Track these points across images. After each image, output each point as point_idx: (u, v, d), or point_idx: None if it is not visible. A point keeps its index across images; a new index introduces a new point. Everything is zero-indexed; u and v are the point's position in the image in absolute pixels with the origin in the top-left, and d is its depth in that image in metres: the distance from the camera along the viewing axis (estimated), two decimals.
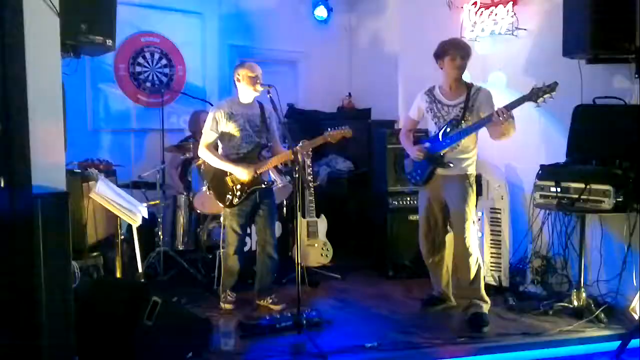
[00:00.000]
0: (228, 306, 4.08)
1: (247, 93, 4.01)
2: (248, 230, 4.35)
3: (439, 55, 3.81)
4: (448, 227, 3.95)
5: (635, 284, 3.73)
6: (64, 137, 3.00)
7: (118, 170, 4.66)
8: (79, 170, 4.09)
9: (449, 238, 3.95)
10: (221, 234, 4.20)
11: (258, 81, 3.94)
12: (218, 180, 4.05)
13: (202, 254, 4.79)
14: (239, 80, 4.00)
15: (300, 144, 3.92)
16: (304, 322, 3.54)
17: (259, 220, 4.12)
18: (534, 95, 3.43)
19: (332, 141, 4.00)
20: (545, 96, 3.40)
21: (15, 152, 2.72)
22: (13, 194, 2.66)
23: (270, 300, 4.11)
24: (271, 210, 4.15)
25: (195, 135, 5.18)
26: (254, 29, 6.44)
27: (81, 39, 3.56)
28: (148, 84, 5.92)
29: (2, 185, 2.63)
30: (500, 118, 3.48)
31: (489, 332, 3.60)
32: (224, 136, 4.03)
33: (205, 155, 4.05)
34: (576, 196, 3.73)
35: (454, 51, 3.75)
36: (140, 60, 5.89)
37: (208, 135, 4.03)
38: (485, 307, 3.78)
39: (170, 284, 4.56)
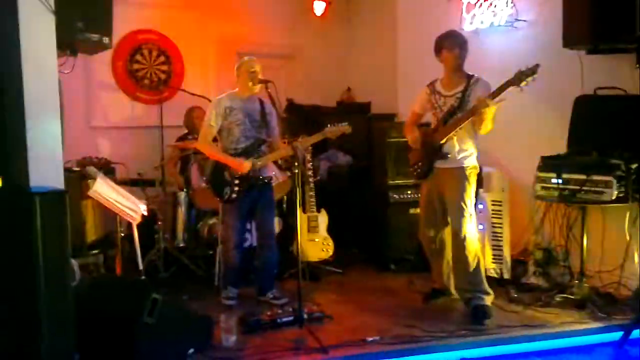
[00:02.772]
0: (229, 302, 4.08)
1: (246, 88, 4.00)
2: (248, 226, 4.34)
3: (437, 49, 3.83)
4: (448, 219, 3.94)
5: (636, 275, 3.72)
6: (62, 135, 2.99)
7: (117, 167, 4.65)
8: (77, 169, 4.08)
9: (449, 231, 3.94)
10: (220, 230, 4.19)
11: (257, 77, 3.93)
12: (217, 176, 4.04)
13: (203, 250, 4.78)
14: (238, 76, 4.01)
15: (300, 139, 3.91)
16: (305, 317, 3.53)
17: (258, 216, 4.12)
18: (516, 80, 3.42)
19: (332, 137, 4.00)
20: (528, 79, 3.38)
21: (12, 151, 2.72)
22: (11, 193, 2.66)
23: (272, 296, 4.11)
24: (270, 205, 4.14)
25: (190, 131, 5.17)
26: (252, 24, 6.42)
27: (78, 36, 3.53)
28: (146, 81, 5.91)
29: (0, 184, 2.62)
30: (480, 105, 3.47)
31: (491, 324, 3.59)
32: (223, 130, 4.02)
33: (204, 148, 4.06)
34: (577, 187, 3.72)
35: (450, 43, 3.77)
36: (138, 57, 5.88)
37: (207, 128, 4.02)
38: (488, 300, 3.77)
39: (171, 281, 4.55)
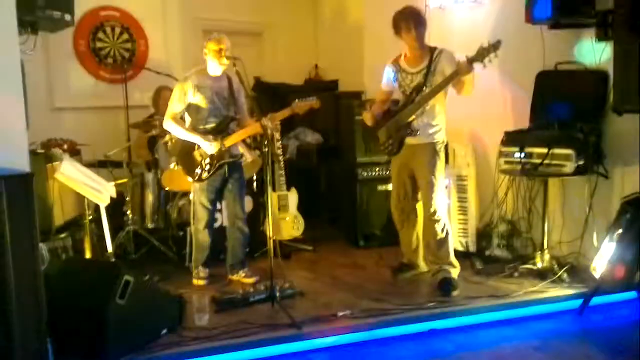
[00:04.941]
0: (201, 282, 4.09)
1: (214, 66, 3.97)
2: (218, 206, 4.34)
3: (395, 29, 3.81)
4: (418, 195, 4.01)
5: (595, 245, 3.86)
6: (26, 116, 2.92)
7: (83, 149, 4.58)
8: (42, 151, 4.01)
9: (419, 206, 4.02)
10: (191, 210, 4.19)
11: (224, 54, 3.89)
12: (186, 155, 4.02)
13: (173, 232, 4.76)
14: (206, 53, 3.96)
15: (268, 116, 3.91)
16: (277, 294, 3.58)
17: (228, 195, 4.12)
18: (479, 55, 3.46)
19: (300, 112, 4.01)
20: (490, 55, 3.43)
21: None
22: None
23: (243, 274, 4.14)
24: (240, 184, 4.15)
25: (158, 111, 5.11)
26: (218, 1, 6.32)
27: (39, 14, 3.44)
28: (109, 60, 5.79)
29: None
30: (461, 69, 3.52)
31: (458, 296, 3.70)
32: (191, 108, 3.99)
33: (170, 126, 4.01)
34: (539, 161, 3.81)
35: (406, 23, 3.75)
36: (101, 35, 5.75)
37: (174, 106, 3.98)
38: (454, 272, 3.87)
39: (141, 263, 4.53)
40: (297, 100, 3.99)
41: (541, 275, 3.93)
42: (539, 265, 4.02)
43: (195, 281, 4.10)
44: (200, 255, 4.13)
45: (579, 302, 3.56)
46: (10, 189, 2.53)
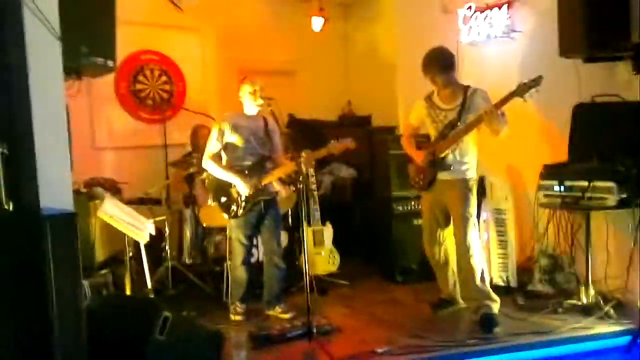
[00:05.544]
0: (238, 317, 4.10)
1: (249, 106, 4.07)
2: (255, 242, 4.37)
3: (425, 72, 3.87)
4: (451, 230, 3.97)
5: None
6: (70, 158, 3.03)
7: (123, 187, 4.70)
8: (85, 190, 4.13)
9: (452, 241, 3.97)
10: (227, 246, 4.22)
11: (258, 95, 3.99)
12: (223, 192, 4.08)
13: (210, 267, 4.81)
14: (241, 94, 4.07)
15: (303, 154, 3.95)
16: (314, 330, 3.55)
17: (264, 231, 4.15)
18: (520, 91, 3.46)
19: (335, 153, 4.03)
20: (530, 90, 3.43)
21: (22, 175, 2.75)
22: (22, 217, 2.69)
23: (280, 310, 4.13)
24: (276, 220, 4.18)
25: (196, 149, 5.22)
26: (252, 42, 6.49)
27: (83, 61, 3.59)
28: (149, 102, 5.97)
29: (10, 209, 2.66)
30: (486, 115, 3.52)
31: (500, 332, 3.60)
32: (227, 147, 4.08)
33: (208, 165, 4.11)
34: (580, 194, 3.74)
35: (437, 69, 3.80)
36: (141, 77, 5.95)
37: (212, 146, 4.09)
38: (495, 307, 3.79)
39: (179, 298, 4.57)
40: (333, 141, 3.99)
41: (586, 311, 3.81)
42: (584, 300, 3.90)
43: (232, 316, 4.11)
44: (237, 291, 4.15)
45: (627, 339, 3.44)
46: (55, 229, 2.60)
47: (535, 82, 3.44)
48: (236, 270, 4.12)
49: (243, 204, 4.02)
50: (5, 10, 2.74)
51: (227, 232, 4.22)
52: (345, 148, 4.00)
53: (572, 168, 3.92)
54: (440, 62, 3.83)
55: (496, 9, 4.85)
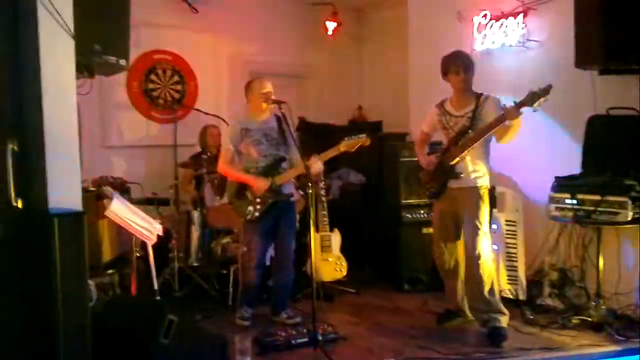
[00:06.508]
0: (244, 322, 4.07)
1: (260, 109, 4.04)
2: (268, 246, 4.32)
3: (443, 72, 3.85)
4: (461, 239, 3.92)
5: None
6: (80, 156, 3.01)
7: (131, 187, 4.69)
8: (94, 189, 4.12)
9: (463, 250, 3.93)
10: (241, 249, 4.18)
11: (269, 97, 3.97)
12: (239, 195, 4.05)
13: (216, 270, 4.79)
14: (250, 96, 4.05)
15: (312, 157, 3.91)
16: (320, 337, 3.51)
17: (279, 235, 4.11)
18: (529, 100, 3.42)
19: (350, 150, 3.94)
20: (540, 100, 3.39)
21: (32, 173, 2.75)
22: (30, 214, 2.68)
23: (286, 316, 4.10)
24: (291, 224, 4.14)
25: (205, 149, 5.21)
26: (264, 44, 6.49)
27: (95, 59, 3.58)
28: (161, 101, 5.97)
29: (19, 206, 2.65)
30: (507, 112, 3.48)
31: (508, 346, 3.55)
32: (241, 151, 4.06)
33: (225, 170, 4.11)
34: (592, 208, 3.69)
35: (455, 66, 3.77)
36: (153, 77, 5.95)
37: (225, 150, 4.09)
38: (504, 320, 3.74)
39: (185, 300, 4.56)
40: (345, 138, 3.92)
41: (596, 327, 3.75)
42: (594, 316, 3.84)
43: (238, 321, 4.08)
44: (245, 294, 4.12)
45: (637, 358, 3.37)
46: (63, 227, 2.59)
47: (545, 91, 3.40)
48: (249, 273, 4.08)
49: (259, 206, 3.99)
50: (19, 8, 2.75)
51: (241, 236, 4.19)
52: (359, 145, 3.92)
53: (585, 181, 3.87)
54: (465, 61, 3.80)
55: (512, 17, 4.81)
